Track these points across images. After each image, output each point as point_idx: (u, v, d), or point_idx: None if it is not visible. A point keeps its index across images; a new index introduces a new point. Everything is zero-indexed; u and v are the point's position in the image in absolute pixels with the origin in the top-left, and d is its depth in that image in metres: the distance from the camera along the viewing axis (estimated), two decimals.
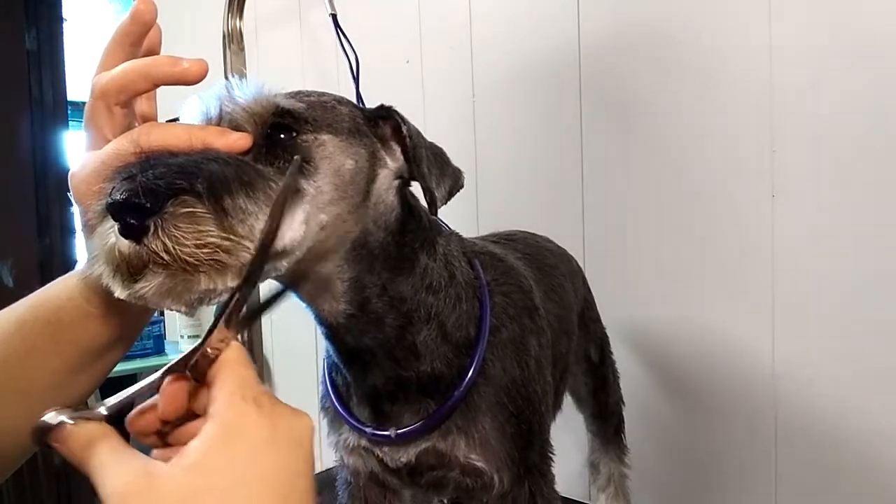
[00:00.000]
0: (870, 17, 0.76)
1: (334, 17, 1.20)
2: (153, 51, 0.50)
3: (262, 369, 1.54)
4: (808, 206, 0.82)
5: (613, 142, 1.01)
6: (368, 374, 0.57)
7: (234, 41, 1.34)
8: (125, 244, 0.37)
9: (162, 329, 1.67)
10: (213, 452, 0.32)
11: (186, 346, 1.63)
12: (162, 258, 0.37)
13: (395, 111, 0.54)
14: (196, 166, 0.39)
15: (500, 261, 0.68)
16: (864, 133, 0.77)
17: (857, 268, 0.79)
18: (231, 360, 0.35)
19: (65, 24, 2.56)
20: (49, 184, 2.47)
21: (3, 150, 2.38)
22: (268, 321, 1.49)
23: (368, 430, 0.60)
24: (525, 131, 1.12)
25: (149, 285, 0.38)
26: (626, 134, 0.99)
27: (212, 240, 0.37)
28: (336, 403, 0.62)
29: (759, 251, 0.86)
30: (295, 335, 1.52)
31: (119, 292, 0.39)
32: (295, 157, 0.45)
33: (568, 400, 0.94)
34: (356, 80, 1.07)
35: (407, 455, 0.59)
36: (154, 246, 0.36)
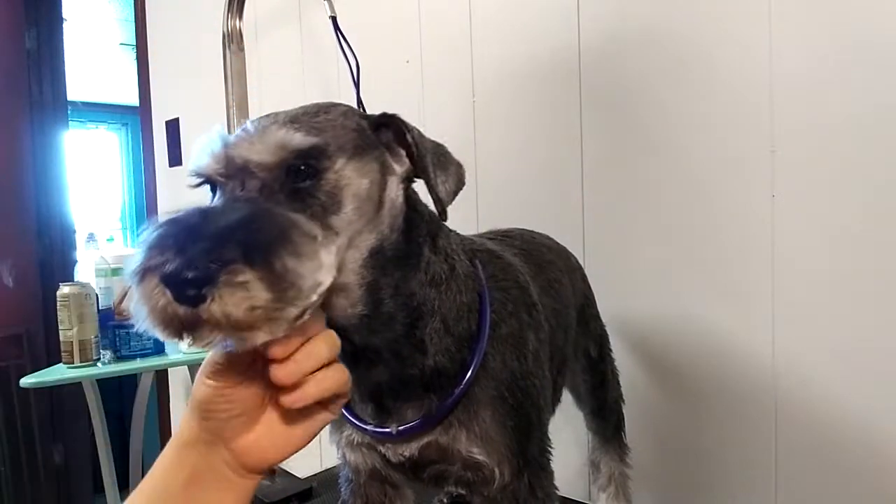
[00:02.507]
0: (870, 17, 0.76)
1: (334, 19, 1.20)
2: None
3: None
4: (808, 206, 0.82)
5: (613, 141, 1.01)
6: (373, 372, 0.57)
7: (233, 41, 1.34)
8: (180, 308, 0.40)
9: None
10: None
11: (187, 346, 1.64)
12: (218, 322, 0.40)
13: (398, 118, 0.54)
14: (244, 232, 0.42)
15: (498, 257, 0.68)
16: (863, 133, 0.77)
17: (857, 268, 0.79)
18: None
19: (65, 24, 2.56)
20: (49, 184, 2.47)
21: (3, 150, 2.38)
22: None
23: (370, 427, 0.60)
24: (525, 131, 1.12)
25: (206, 340, 0.42)
26: (626, 133, 0.99)
27: (263, 304, 0.41)
28: None
29: (759, 251, 0.86)
30: None
31: (170, 340, 0.43)
32: None
33: (568, 399, 0.95)
34: (357, 84, 1.07)
35: (409, 449, 0.60)
36: (211, 312, 0.40)
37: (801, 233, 0.83)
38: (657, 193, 0.96)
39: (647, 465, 0.99)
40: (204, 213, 0.43)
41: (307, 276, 0.43)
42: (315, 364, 0.46)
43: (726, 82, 0.88)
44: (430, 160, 0.54)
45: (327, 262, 0.46)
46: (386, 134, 0.55)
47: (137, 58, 2.26)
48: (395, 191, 0.55)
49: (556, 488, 0.64)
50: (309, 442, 0.51)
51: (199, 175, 0.51)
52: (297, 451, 0.50)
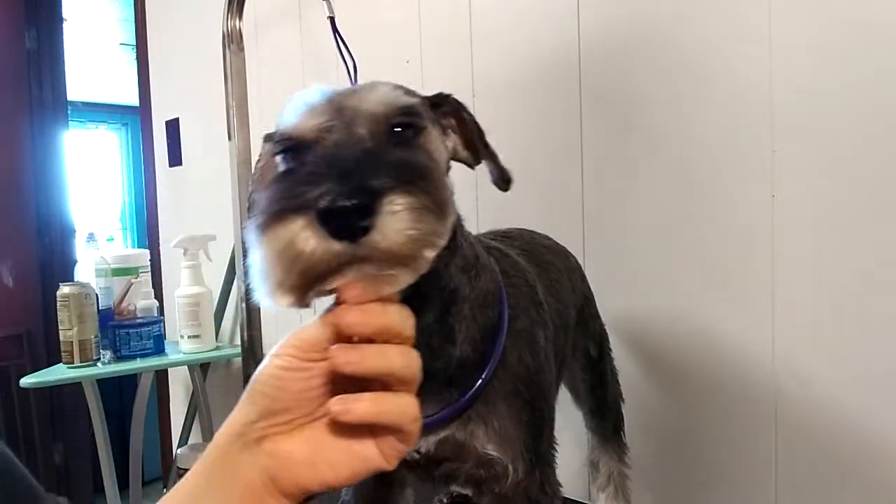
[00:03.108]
0: (870, 17, 0.76)
1: (332, 20, 1.20)
2: None
3: None
4: (808, 206, 0.82)
5: (613, 141, 1.01)
6: None
7: (233, 41, 1.34)
8: (337, 244, 0.37)
9: (162, 329, 1.67)
10: None
11: (187, 346, 1.64)
12: (376, 256, 0.37)
13: (452, 97, 0.57)
14: (390, 163, 0.40)
15: (506, 255, 0.69)
16: (864, 133, 0.77)
17: (857, 268, 0.79)
18: None
19: (65, 24, 2.56)
20: (49, 184, 2.48)
21: (3, 150, 2.38)
22: (272, 321, 1.49)
23: None
24: (525, 131, 1.12)
25: (344, 280, 0.38)
26: (626, 133, 0.99)
27: (421, 236, 0.38)
28: None
29: (759, 251, 0.86)
30: None
31: (295, 300, 0.39)
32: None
33: (568, 398, 0.95)
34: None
35: (426, 444, 0.59)
36: (375, 243, 0.37)
37: (801, 233, 0.83)
38: (657, 193, 0.96)
39: (646, 465, 0.99)
40: (336, 152, 0.41)
41: (451, 213, 0.42)
42: (383, 367, 0.41)
43: (726, 82, 0.88)
44: (487, 139, 0.56)
45: (455, 212, 0.44)
46: (438, 113, 0.56)
47: (137, 58, 2.26)
48: (446, 170, 0.56)
49: (561, 486, 0.64)
50: (347, 483, 0.45)
51: (289, 137, 0.47)
52: (331, 487, 0.44)
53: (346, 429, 0.43)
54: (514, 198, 1.14)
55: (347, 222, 0.36)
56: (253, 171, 0.58)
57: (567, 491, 0.98)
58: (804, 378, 0.84)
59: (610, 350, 0.96)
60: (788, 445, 0.86)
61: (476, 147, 0.58)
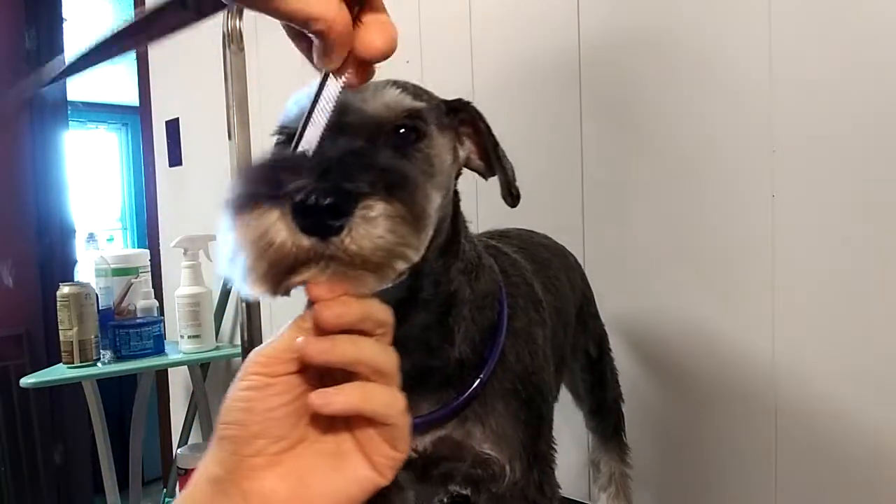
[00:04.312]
0: (870, 17, 0.76)
1: None
2: None
3: None
4: (808, 206, 0.82)
5: (613, 141, 1.01)
6: None
7: (233, 41, 1.34)
8: (306, 240, 0.36)
9: (162, 329, 1.67)
10: None
11: (187, 346, 1.64)
12: (342, 257, 0.37)
13: (472, 105, 0.56)
14: (374, 166, 0.39)
15: (504, 254, 0.69)
16: (864, 133, 0.77)
17: (857, 268, 0.79)
18: None
19: (65, 24, 2.56)
20: (49, 184, 2.48)
21: (3, 150, 2.38)
22: (268, 318, 1.49)
23: None
24: (525, 131, 1.12)
25: (310, 276, 0.38)
26: (626, 133, 0.99)
27: (391, 245, 0.37)
28: None
29: (759, 251, 0.86)
30: None
31: (268, 290, 0.38)
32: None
33: (568, 398, 0.95)
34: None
35: (423, 443, 0.59)
36: (343, 245, 0.36)
37: (801, 233, 0.83)
38: (657, 193, 0.96)
39: (647, 465, 0.99)
40: (323, 149, 0.40)
41: (429, 225, 0.41)
42: (356, 354, 0.39)
43: (726, 82, 0.88)
44: (502, 151, 0.56)
45: (433, 225, 0.43)
46: (455, 119, 0.56)
47: (137, 58, 2.26)
48: (454, 177, 0.56)
49: (560, 486, 0.64)
50: None
51: (287, 128, 0.46)
52: None
53: (331, 447, 0.40)
54: None
55: (320, 220, 0.36)
56: None
57: (568, 491, 0.99)
58: (804, 378, 0.84)
59: (610, 350, 0.96)
60: (788, 445, 0.86)
61: (490, 158, 0.58)
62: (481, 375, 0.57)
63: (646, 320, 0.99)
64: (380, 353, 0.40)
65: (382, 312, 0.40)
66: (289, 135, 0.47)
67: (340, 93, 0.42)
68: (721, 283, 0.90)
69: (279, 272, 0.38)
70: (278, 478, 0.39)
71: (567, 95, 1.05)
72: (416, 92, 0.51)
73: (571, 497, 1.01)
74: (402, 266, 0.38)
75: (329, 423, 0.41)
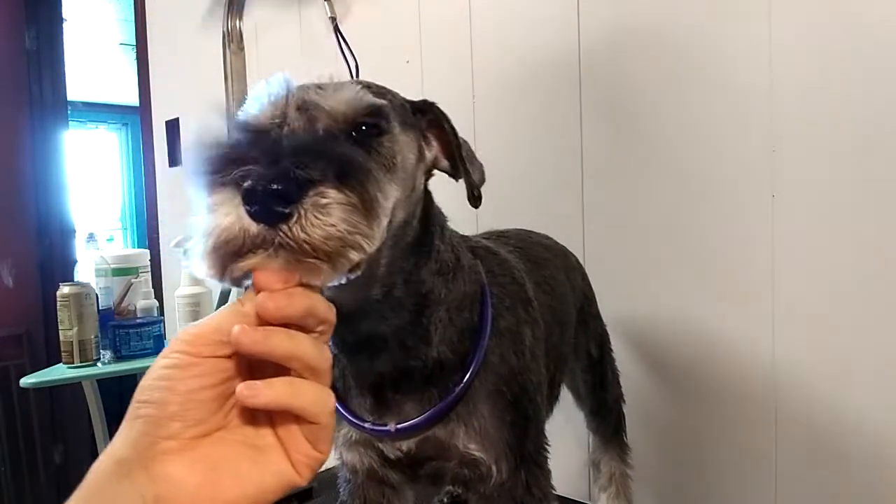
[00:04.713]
0: (870, 17, 0.76)
1: (334, 20, 1.20)
2: None
3: None
4: (808, 206, 0.82)
5: (613, 141, 1.01)
6: (375, 363, 0.57)
7: (233, 41, 1.34)
8: (254, 226, 0.36)
9: (162, 329, 1.67)
10: None
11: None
12: (291, 245, 0.36)
13: (437, 106, 0.56)
14: (330, 154, 0.38)
15: (494, 254, 0.69)
16: (864, 133, 0.77)
17: (857, 267, 0.79)
18: None
19: (65, 24, 2.56)
20: (49, 184, 2.48)
21: (3, 150, 2.38)
22: None
23: (367, 424, 0.60)
24: (525, 131, 1.12)
25: (257, 262, 0.37)
26: (625, 133, 0.99)
27: (342, 234, 0.37)
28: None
29: (759, 251, 0.86)
30: None
31: (214, 273, 0.38)
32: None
33: (568, 398, 0.95)
34: None
35: (408, 443, 0.59)
36: (292, 233, 0.36)
37: (801, 233, 0.83)
38: (657, 193, 0.96)
39: (647, 465, 0.99)
40: (279, 136, 0.39)
41: (383, 218, 0.41)
42: (290, 348, 0.37)
43: (726, 82, 0.88)
44: (466, 152, 0.56)
45: (386, 217, 0.43)
46: (422, 120, 0.56)
47: (137, 58, 2.26)
48: (420, 177, 0.55)
49: (553, 488, 0.64)
50: None
51: (246, 127, 0.46)
52: None
53: (251, 439, 0.39)
54: (515, 198, 1.14)
55: (267, 206, 0.36)
56: None
57: (569, 491, 0.99)
58: (804, 378, 0.84)
59: (611, 350, 0.96)
60: (788, 445, 0.86)
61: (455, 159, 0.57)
62: (465, 377, 0.57)
63: (646, 320, 0.99)
64: (315, 351, 0.39)
65: (326, 310, 0.40)
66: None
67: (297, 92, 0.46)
68: (721, 283, 0.90)
69: (225, 254, 0.37)
70: (190, 463, 0.37)
71: (567, 95, 1.05)
72: (380, 91, 0.52)
73: (572, 497, 1.01)
74: (355, 256, 0.38)
75: (252, 415, 0.40)
